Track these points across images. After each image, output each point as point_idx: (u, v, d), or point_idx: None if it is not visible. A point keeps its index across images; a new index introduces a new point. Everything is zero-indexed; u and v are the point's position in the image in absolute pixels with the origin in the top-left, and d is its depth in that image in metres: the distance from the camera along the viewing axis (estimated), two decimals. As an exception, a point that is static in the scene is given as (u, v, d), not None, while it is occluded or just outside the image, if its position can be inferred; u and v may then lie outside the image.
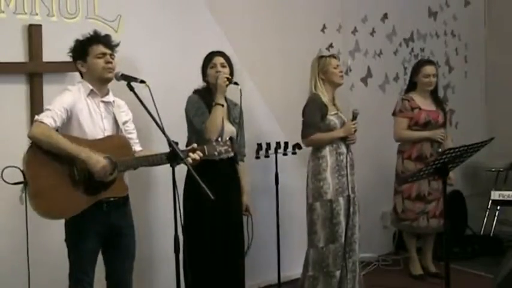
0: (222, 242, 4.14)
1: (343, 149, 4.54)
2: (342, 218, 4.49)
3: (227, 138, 3.61)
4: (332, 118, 4.54)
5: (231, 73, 4.18)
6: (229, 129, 4.16)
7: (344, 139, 4.54)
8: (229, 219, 4.18)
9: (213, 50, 4.24)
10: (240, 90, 4.03)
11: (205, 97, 4.13)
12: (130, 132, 3.55)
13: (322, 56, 4.68)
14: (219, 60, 4.16)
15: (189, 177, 4.02)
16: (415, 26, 6.41)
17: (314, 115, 4.51)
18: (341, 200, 4.50)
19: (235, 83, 4.08)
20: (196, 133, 4.06)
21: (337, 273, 4.51)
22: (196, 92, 4.18)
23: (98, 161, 3.23)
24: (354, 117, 4.54)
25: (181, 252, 3.20)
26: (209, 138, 3.84)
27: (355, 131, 4.52)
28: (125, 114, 3.55)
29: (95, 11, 4.17)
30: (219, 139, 3.57)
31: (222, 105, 4.05)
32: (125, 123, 3.52)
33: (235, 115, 4.25)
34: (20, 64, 3.90)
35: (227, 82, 4.07)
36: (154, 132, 4.18)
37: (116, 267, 3.50)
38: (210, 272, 4.09)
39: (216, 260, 4.10)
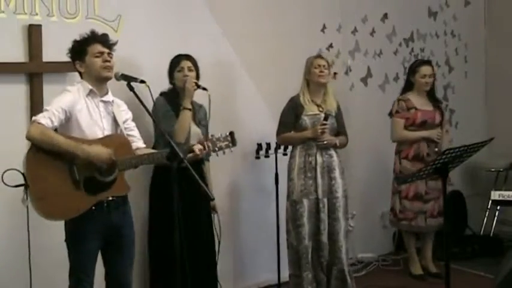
0: (192, 242, 4.10)
1: (314, 150, 4.56)
2: (306, 221, 4.51)
3: (227, 133, 3.59)
4: (305, 118, 4.57)
5: (197, 77, 4.22)
6: (196, 131, 4.20)
7: (316, 140, 4.56)
8: (197, 218, 4.19)
9: (179, 53, 4.27)
10: (209, 95, 4.06)
11: (172, 100, 4.17)
12: (132, 130, 3.56)
13: (310, 56, 4.74)
14: (186, 64, 4.21)
15: (154, 176, 4.15)
16: (415, 26, 6.41)
17: (287, 115, 4.62)
18: (305, 202, 4.52)
19: (204, 89, 4.12)
20: (164, 136, 4.05)
21: (305, 274, 4.52)
22: (162, 94, 4.21)
23: (100, 153, 3.23)
24: (325, 119, 4.54)
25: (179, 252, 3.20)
26: (178, 141, 3.91)
27: (322, 132, 4.51)
28: (125, 113, 3.55)
29: (95, 11, 4.16)
30: (220, 135, 3.57)
31: (190, 110, 4.10)
32: (125, 121, 3.52)
33: (201, 117, 4.29)
34: (20, 64, 3.89)
35: (195, 87, 4.12)
36: (153, 132, 4.21)
37: (116, 267, 3.50)
38: (180, 272, 4.07)
39: (186, 260, 4.09)
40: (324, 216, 4.53)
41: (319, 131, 4.50)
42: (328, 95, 4.70)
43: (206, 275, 4.27)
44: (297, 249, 4.55)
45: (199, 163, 4.19)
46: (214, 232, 4.35)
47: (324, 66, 4.62)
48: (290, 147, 4.93)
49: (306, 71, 4.68)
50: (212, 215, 4.37)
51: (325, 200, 4.54)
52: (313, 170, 4.54)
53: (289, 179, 4.62)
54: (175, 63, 4.23)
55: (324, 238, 4.54)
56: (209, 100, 4.07)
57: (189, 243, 4.11)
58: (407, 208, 5.30)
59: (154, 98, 3.49)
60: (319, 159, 4.56)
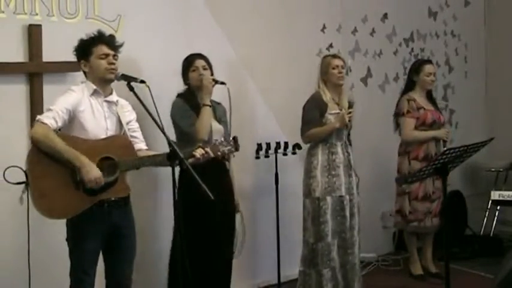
0: (217, 241, 4.14)
1: (338, 148, 4.57)
2: (329, 218, 4.53)
3: (231, 138, 3.60)
4: (330, 117, 4.55)
5: (212, 75, 4.20)
6: (217, 127, 4.19)
7: (340, 138, 4.56)
8: (224, 218, 4.19)
9: (192, 53, 4.25)
10: (228, 89, 4.04)
11: (189, 100, 4.15)
12: (135, 131, 3.55)
13: (326, 56, 4.74)
14: (200, 63, 4.18)
15: (181, 179, 4.08)
16: (415, 26, 6.42)
17: (312, 112, 4.56)
18: (329, 199, 4.53)
19: (222, 83, 4.10)
20: (185, 136, 4.05)
21: (325, 271, 4.54)
22: (180, 95, 4.20)
23: (91, 171, 3.21)
24: (350, 106, 4.56)
25: (179, 253, 3.20)
26: (201, 139, 3.90)
27: (349, 120, 4.52)
28: (128, 114, 3.54)
29: (95, 11, 4.16)
30: (222, 139, 3.57)
31: (210, 106, 4.09)
32: (129, 122, 3.52)
33: (221, 114, 4.28)
34: (20, 64, 3.89)
35: (213, 83, 4.10)
36: (155, 132, 4.20)
37: (116, 267, 3.50)
38: (203, 271, 4.07)
39: (209, 260, 4.10)
40: (347, 213, 4.56)
41: (347, 118, 4.49)
42: (343, 94, 4.70)
43: (224, 272, 4.28)
44: (313, 247, 4.56)
45: (222, 162, 4.16)
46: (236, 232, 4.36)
47: (341, 66, 4.63)
48: (290, 148, 4.94)
49: (323, 70, 4.64)
50: (236, 213, 4.36)
51: (348, 197, 4.57)
52: (337, 168, 4.55)
53: (310, 176, 4.58)
54: (189, 63, 4.20)
55: (347, 235, 4.58)
56: (229, 94, 4.03)
57: (214, 242, 4.12)
58: (417, 209, 5.26)
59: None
60: (342, 157, 4.57)
